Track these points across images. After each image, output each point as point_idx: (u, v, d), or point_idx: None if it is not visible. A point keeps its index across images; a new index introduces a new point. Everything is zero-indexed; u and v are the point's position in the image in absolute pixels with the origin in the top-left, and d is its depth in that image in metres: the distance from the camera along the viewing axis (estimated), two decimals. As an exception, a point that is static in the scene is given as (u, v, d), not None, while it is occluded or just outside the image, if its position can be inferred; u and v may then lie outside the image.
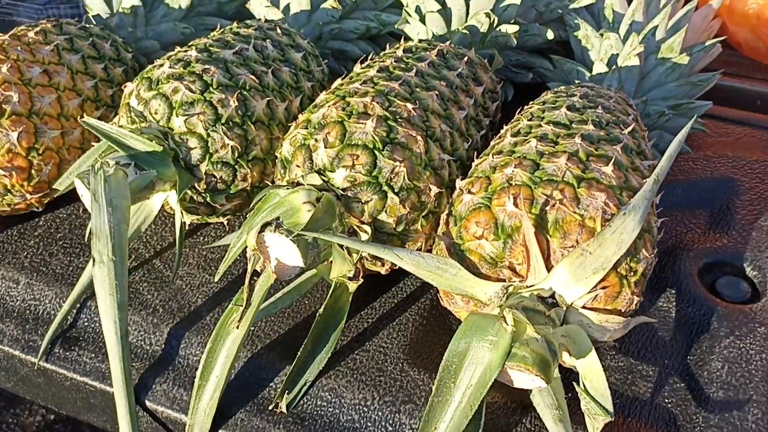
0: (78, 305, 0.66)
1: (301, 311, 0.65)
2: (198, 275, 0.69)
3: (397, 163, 0.58)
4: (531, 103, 0.68)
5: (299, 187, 0.58)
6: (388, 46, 0.74)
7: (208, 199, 0.66)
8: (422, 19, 0.79)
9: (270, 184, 0.66)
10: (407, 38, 0.82)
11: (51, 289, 0.68)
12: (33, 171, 0.69)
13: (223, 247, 0.71)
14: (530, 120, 0.63)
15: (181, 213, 0.66)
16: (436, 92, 0.64)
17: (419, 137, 0.59)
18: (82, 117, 0.73)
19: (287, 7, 0.83)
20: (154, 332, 0.64)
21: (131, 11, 0.82)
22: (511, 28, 0.75)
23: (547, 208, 0.52)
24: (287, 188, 0.58)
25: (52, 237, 0.73)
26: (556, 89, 0.69)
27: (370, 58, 0.73)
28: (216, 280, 0.66)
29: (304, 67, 0.74)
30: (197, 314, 0.65)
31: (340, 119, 0.60)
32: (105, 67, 0.76)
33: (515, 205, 0.53)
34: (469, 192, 0.56)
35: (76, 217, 0.76)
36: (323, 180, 0.59)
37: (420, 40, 0.74)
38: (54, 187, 0.66)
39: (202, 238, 0.73)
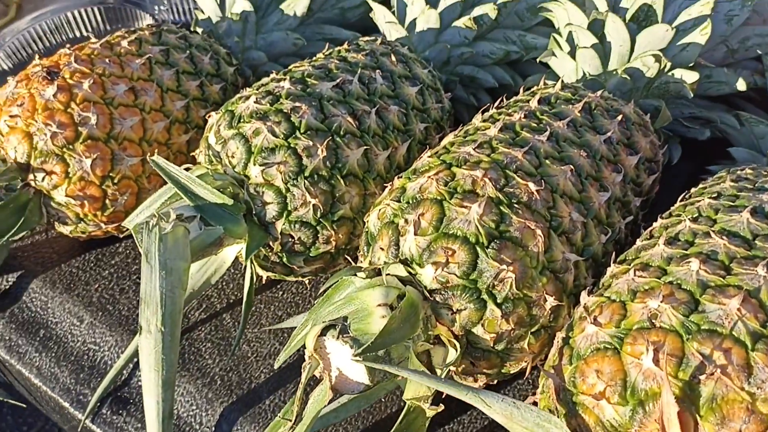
0: (134, 361, 0.60)
1: (370, 421, 0.54)
2: (267, 342, 0.60)
3: (504, 267, 0.44)
4: (701, 186, 0.52)
5: (377, 280, 0.46)
6: (526, 86, 0.60)
7: (284, 259, 0.56)
8: (572, 53, 0.63)
9: (350, 265, 0.55)
10: (551, 73, 0.67)
11: (112, 335, 0.61)
12: (107, 201, 0.62)
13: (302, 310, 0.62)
14: (696, 220, 0.46)
15: (253, 271, 0.57)
16: (572, 166, 0.49)
17: (539, 231, 0.45)
18: (169, 141, 0.65)
19: (413, 24, 0.70)
20: (207, 409, 0.56)
21: (241, 17, 0.73)
22: (688, 75, 0.58)
23: (702, 376, 0.37)
24: (365, 277, 0.47)
25: (128, 269, 0.67)
26: (738, 171, 0.52)
27: (496, 104, 0.59)
28: (276, 368, 0.56)
29: (419, 105, 0.62)
30: (257, 395, 0.56)
31: (439, 197, 0.47)
32: (200, 84, 0.68)
33: (656, 361, 0.38)
34: (595, 321, 0.41)
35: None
36: (409, 272, 0.47)
37: (564, 86, 0.58)
38: (124, 224, 0.59)
39: (280, 293, 0.64)
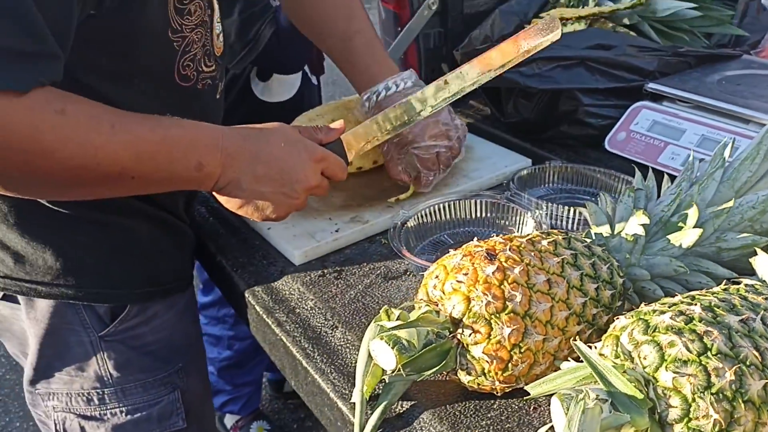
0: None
1: None
2: None
3: None
4: None
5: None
6: None
7: (668, 459, 0.64)
8: None
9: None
10: None
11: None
12: (510, 364, 0.75)
13: None
14: None
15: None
16: None
17: None
18: (565, 328, 0.78)
19: (800, 277, 0.78)
20: None
21: (633, 238, 0.86)
22: None
23: None
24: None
25: (502, 425, 0.78)
26: None
27: None
28: None
29: (811, 354, 0.68)
30: None
31: None
32: (597, 288, 0.80)
33: None
34: None
35: (525, 413, 0.80)
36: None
37: None
38: (527, 389, 0.70)
39: (643, 488, 0.70)
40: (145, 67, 0.90)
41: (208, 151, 0.88)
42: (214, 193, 0.95)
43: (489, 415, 0.80)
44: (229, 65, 1.47)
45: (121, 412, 1.10)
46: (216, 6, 1.01)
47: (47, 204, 0.96)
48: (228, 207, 0.98)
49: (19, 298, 1.03)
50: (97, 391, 1.08)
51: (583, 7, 1.51)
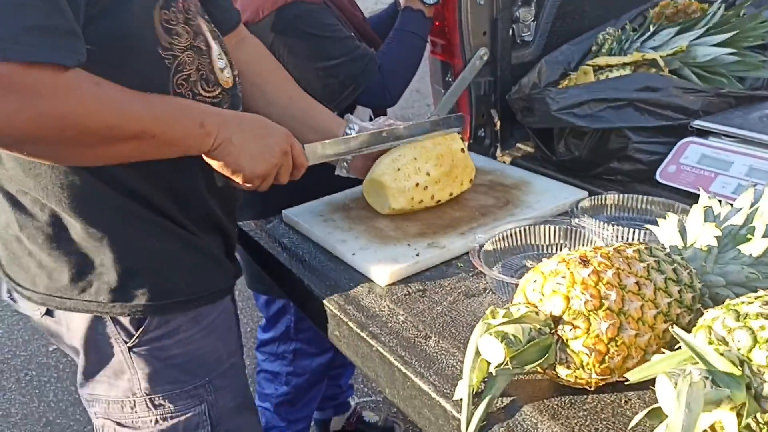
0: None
1: None
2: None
3: None
4: None
5: None
6: None
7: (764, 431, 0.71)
8: None
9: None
10: None
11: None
12: (606, 357, 0.83)
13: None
14: None
15: (737, 435, 0.72)
16: None
17: None
18: (654, 325, 0.86)
19: None
20: None
21: (707, 249, 0.95)
22: None
23: None
24: None
25: (598, 415, 0.86)
26: None
27: None
28: None
29: None
30: None
31: None
32: (680, 291, 0.89)
33: None
34: None
35: (618, 405, 0.88)
36: None
37: None
38: (627, 375, 0.78)
39: (738, 465, 0.77)
40: (139, 81, 1.01)
41: (207, 114, 1.06)
42: (207, 158, 1.08)
43: (585, 408, 0.88)
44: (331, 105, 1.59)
45: (151, 420, 1.17)
46: (213, 44, 1.15)
47: (63, 221, 1.06)
48: (220, 167, 1.09)
49: (55, 312, 1.13)
50: (130, 399, 1.16)
51: (626, 55, 1.63)
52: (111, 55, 0.98)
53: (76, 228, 1.06)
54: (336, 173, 1.41)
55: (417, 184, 1.36)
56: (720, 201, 1.03)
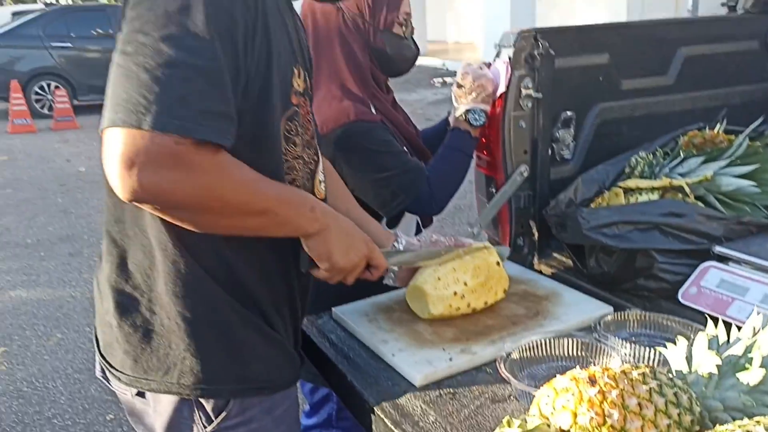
0: None
1: None
2: None
3: None
4: None
5: None
6: None
7: None
8: None
9: None
10: None
11: None
12: (608, 470, 0.94)
13: None
14: None
15: None
16: None
17: None
18: (653, 444, 0.97)
19: None
20: None
21: (708, 375, 1.05)
22: None
23: None
24: None
25: None
26: None
27: None
28: None
29: None
30: None
31: None
32: (679, 413, 0.99)
33: None
34: None
35: None
36: None
37: None
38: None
39: None
40: (261, 171, 1.14)
41: (316, 202, 1.24)
42: (306, 241, 1.24)
43: None
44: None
45: None
46: (320, 159, 1.34)
47: (158, 306, 1.22)
48: (313, 250, 1.25)
49: (147, 393, 1.27)
50: None
51: (656, 179, 1.77)
52: (247, 143, 1.16)
53: (170, 313, 1.22)
54: (384, 282, 1.56)
55: (455, 293, 1.50)
56: (731, 326, 1.14)
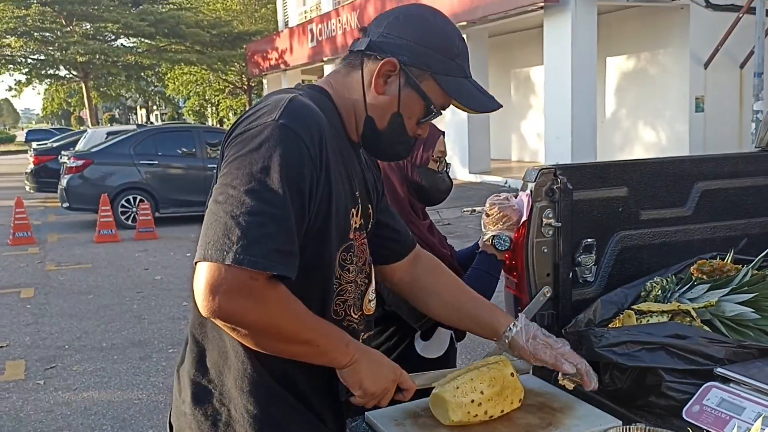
0: None
1: None
2: None
3: None
4: None
5: None
6: None
7: None
8: None
9: None
10: None
11: None
12: None
13: None
14: None
15: None
16: None
17: None
18: None
19: None
20: None
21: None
22: None
23: None
24: None
25: None
26: None
27: None
28: None
29: None
30: None
31: None
32: None
33: None
34: None
35: None
36: None
37: None
38: None
39: None
40: (312, 295, 1.40)
41: (349, 338, 1.45)
42: (340, 371, 1.43)
43: None
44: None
45: None
46: (373, 281, 1.56)
47: (224, 400, 1.44)
48: (347, 379, 1.45)
49: None
50: None
51: (666, 302, 1.92)
52: (303, 274, 1.38)
53: (237, 405, 1.44)
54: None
55: (473, 401, 1.67)
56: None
